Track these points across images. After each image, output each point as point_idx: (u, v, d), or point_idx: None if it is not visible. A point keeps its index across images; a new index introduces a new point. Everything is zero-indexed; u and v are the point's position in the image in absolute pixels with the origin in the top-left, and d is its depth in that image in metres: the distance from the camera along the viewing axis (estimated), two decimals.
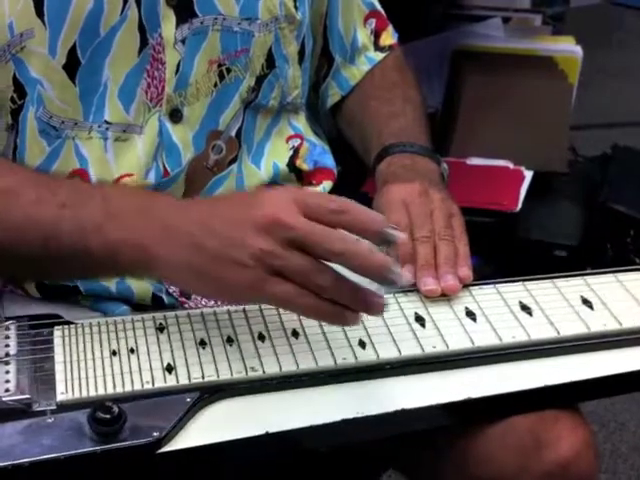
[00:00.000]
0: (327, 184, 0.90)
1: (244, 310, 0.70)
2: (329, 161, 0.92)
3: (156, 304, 0.77)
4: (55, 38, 0.71)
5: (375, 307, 0.60)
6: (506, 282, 0.75)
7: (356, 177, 1.29)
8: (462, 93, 1.46)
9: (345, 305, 0.59)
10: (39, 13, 0.70)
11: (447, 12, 1.72)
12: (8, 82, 0.72)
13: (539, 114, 1.46)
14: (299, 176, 0.88)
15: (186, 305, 0.78)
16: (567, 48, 1.53)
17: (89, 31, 0.72)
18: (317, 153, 0.91)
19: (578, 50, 1.53)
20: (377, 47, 0.95)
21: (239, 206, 0.61)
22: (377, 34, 0.95)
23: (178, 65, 0.76)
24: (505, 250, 1.39)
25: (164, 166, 0.77)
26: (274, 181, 0.85)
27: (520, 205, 1.38)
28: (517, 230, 1.41)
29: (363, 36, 0.94)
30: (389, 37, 0.96)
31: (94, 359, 0.64)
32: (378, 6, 0.96)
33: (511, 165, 1.44)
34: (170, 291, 0.78)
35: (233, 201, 0.64)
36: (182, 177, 0.78)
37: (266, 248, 0.58)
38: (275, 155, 0.85)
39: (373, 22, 0.95)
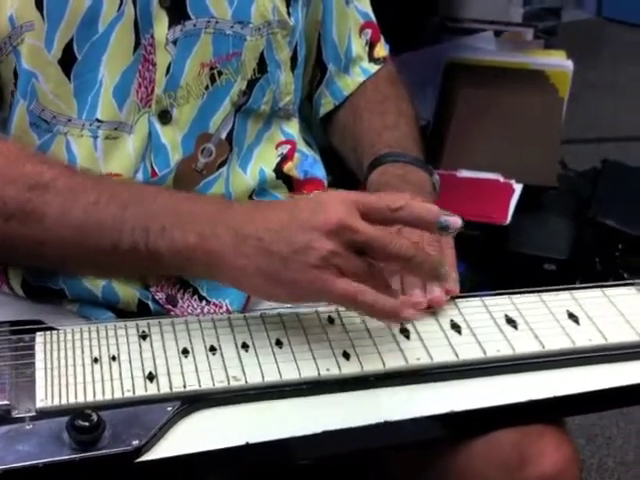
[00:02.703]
0: None
1: (229, 319, 0.69)
2: (319, 171, 0.91)
3: (142, 311, 0.77)
4: (53, 32, 0.71)
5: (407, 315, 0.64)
6: (493, 295, 0.74)
7: (346, 187, 1.29)
8: (454, 106, 1.46)
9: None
10: (39, 6, 0.71)
11: (441, 25, 1.72)
12: (10, 74, 0.73)
13: (530, 128, 1.46)
14: (289, 184, 0.88)
15: (172, 313, 0.77)
16: (558, 62, 1.54)
17: (87, 27, 0.72)
18: (308, 163, 0.90)
19: (569, 64, 1.54)
20: (371, 58, 0.95)
21: (304, 211, 0.64)
22: (372, 45, 0.95)
23: (169, 67, 0.76)
24: (494, 263, 1.39)
25: (152, 166, 0.77)
26: (261, 188, 0.85)
27: (510, 218, 1.38)
28: (506, 243, 1.41)
29: (358, 46, 0.94)
30: (382, 49, 0.96)
31: (75, 366, 0.64)
32: (373, 17, 0.96)
33: (501, 178, 1.45)
34: (156, 298, 0.77)
35: (298, 206, 0.65)
36: (170, 178, 0.78)
37: (333, 249, 0.62)
38: (262, 160, 0.85)
39: (369, 33, 0.95)
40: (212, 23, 0.77)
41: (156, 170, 0.77)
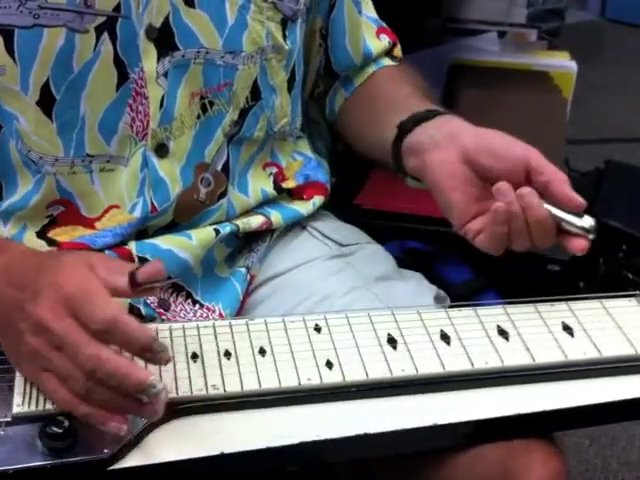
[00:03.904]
0: (318, 199, 0.89)
1: (213, 326, 0.68)
2: (322, 175, 0.90)
3: (134, 315, 0.75)
4: (26, 75, 0.69)
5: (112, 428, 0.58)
6: (487, 304, 0.73)
7: (349, 189, 1.28)
8: (457, 106, 1.45)
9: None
10: (9, 50, 0.68)
11: (444, 26, 1.71)
12: None
13: (533, 128, 1.44)
14: (289, 194, 0.87)
15: (164, 317, 0.76)
16: (562, 63, 1.53)
17: (61, 68, 0.70)
18: (311, 167, 0.89)
19: (573, 65, 1.52)
20: (389, 55, 0.94)
21: (30, 284, 0.60)
22: (393, 45, 0.95)
23: (162, 100, 0.74)
24: (497, 264, 1.37)
25: (151, 202, 0.75)
26: (262, 203, 0.84)
27: None
28: None
29: (377, 46, 0.92)
30: (398, 51, 0.96)
31: None
32: (383, 23, 0.95)
33: None
34: (148, 302, 0.76)
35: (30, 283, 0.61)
36: (170, 211, 0.77)
37: (37, 348, 0.58)
38: (259, 182, 0.84)
39: (386, 36, 0.94)
40: (202, 53, 0.75)
41: (156, 205, 0.76)
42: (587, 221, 0.71)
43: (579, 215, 0.70)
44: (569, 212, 0.70)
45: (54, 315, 0.57)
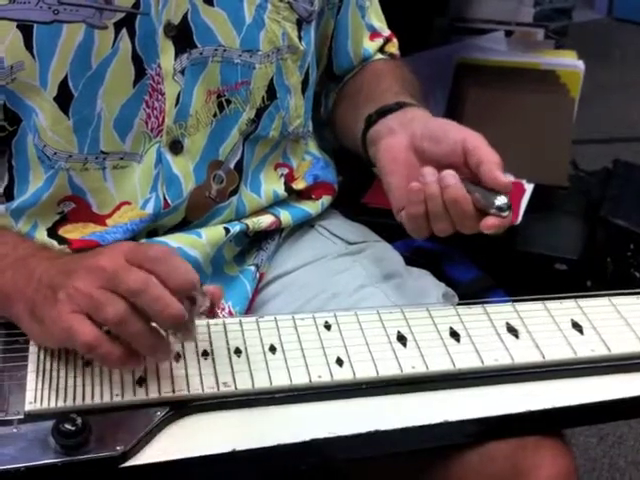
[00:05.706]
0: (326, 199, 0.89)
1: (224, 323, 0.68)
2: (330, 175, 0.91)
3: None
4: (45, 71, 0.70)
5: (159, 353, 0.60)
6: (496, 302, 0.73)
7: (357, 188, 1.28)
8: (464, 106, 1.45)
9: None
10: (28, 46, 0.69)
11: (451, 25, 1.72)
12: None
13: (541, 128, 1.45)
14: (298, 194, 0.88)
15: None
16: (569, 62, 1.53)
17: (80, 64, 0.70)
18: (319, 167, 0.90)
19: (580, 64, 1.52)
20: (380, 50, 0.96)
21: (82, 258, 0.63)
22: (386, 41, 0.96)
23: (178, 96, 0.74)
24: (505, 263, 1.37)
25: (164, 198, 0.76)
26: (272, 204, 0.85)
27: (520, 218, 1.37)
28: (517, 243, 1.40)
29: (372, 46, 0.94)
30: (393, 47, 0.97)
31: (67, 369, 0.63)
32: (380, 30, 0.96)
33: (512, 178, 1.43)
34: None
35: (85, 254, 0.64)
36: (183, 208, 0.78)
37: (78, 287, 0.59)
38: (271, 182, 0.85)
39: (380, 39, 0.95)
40: (219, 51, 0.75)
41: (169, 201, 0.76)
42: (500, 199, 0.69)
43: (495, 194, 0.69)
44: (486, 191, 0.69)
45: (111, 258, 0.59)
